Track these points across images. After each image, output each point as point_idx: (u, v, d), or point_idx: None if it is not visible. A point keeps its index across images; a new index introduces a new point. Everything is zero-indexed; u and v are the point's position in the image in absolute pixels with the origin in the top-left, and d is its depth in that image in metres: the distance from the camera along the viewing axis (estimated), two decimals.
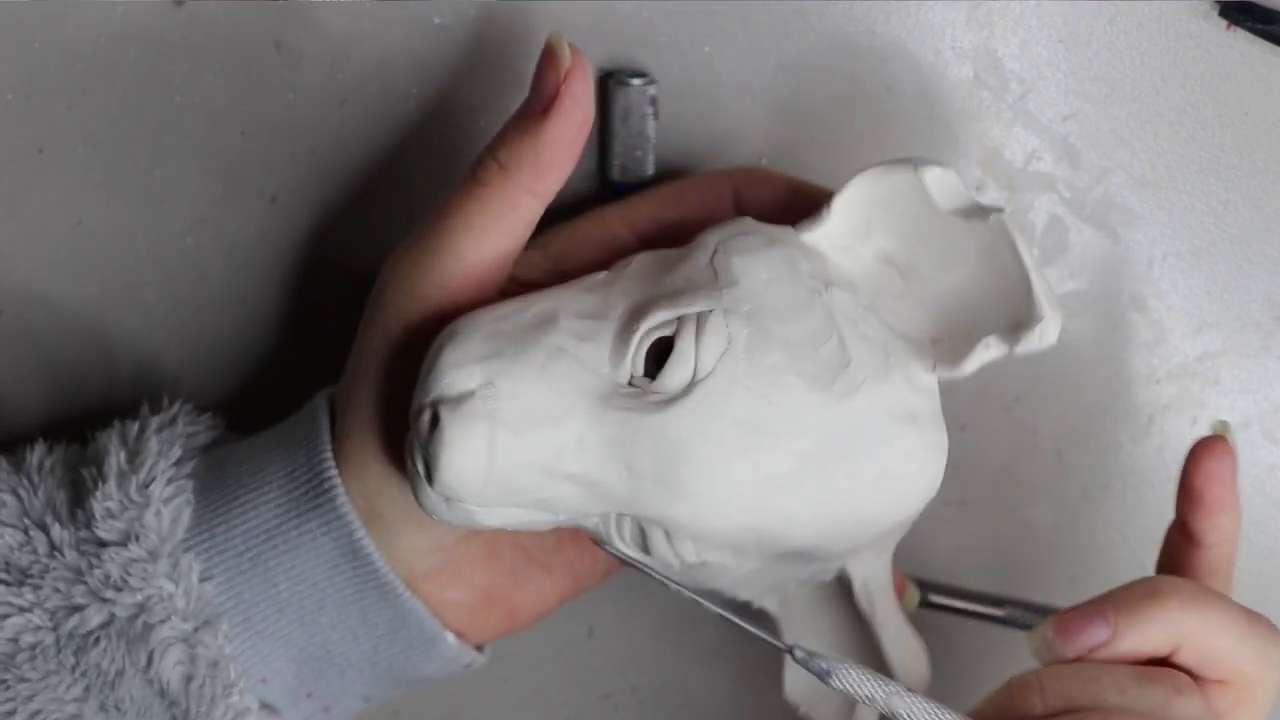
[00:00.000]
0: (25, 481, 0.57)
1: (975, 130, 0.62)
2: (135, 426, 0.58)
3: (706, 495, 0.51)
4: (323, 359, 0.65)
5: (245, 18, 0.59)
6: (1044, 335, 0.51)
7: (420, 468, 0.51)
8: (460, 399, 0.50)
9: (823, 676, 0.49)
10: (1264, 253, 0.63)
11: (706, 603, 0.52)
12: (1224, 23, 0.61)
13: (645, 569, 0.53)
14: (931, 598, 0.66)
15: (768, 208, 0.57)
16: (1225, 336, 0.64)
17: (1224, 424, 0.57)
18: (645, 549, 0.52)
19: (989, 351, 0.51)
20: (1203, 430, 0.65)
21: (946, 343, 0.53)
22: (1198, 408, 0.65)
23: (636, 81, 0.60)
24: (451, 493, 0.50)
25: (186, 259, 0.62)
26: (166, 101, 0.60)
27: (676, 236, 0.57)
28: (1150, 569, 0.60)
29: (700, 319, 0.51)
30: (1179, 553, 0.58)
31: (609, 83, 0.60)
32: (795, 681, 0.60)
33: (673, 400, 0.50)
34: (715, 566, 0.53)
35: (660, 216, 0.58)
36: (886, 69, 0.61)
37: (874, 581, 0.55)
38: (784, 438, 0.51)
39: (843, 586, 0.57)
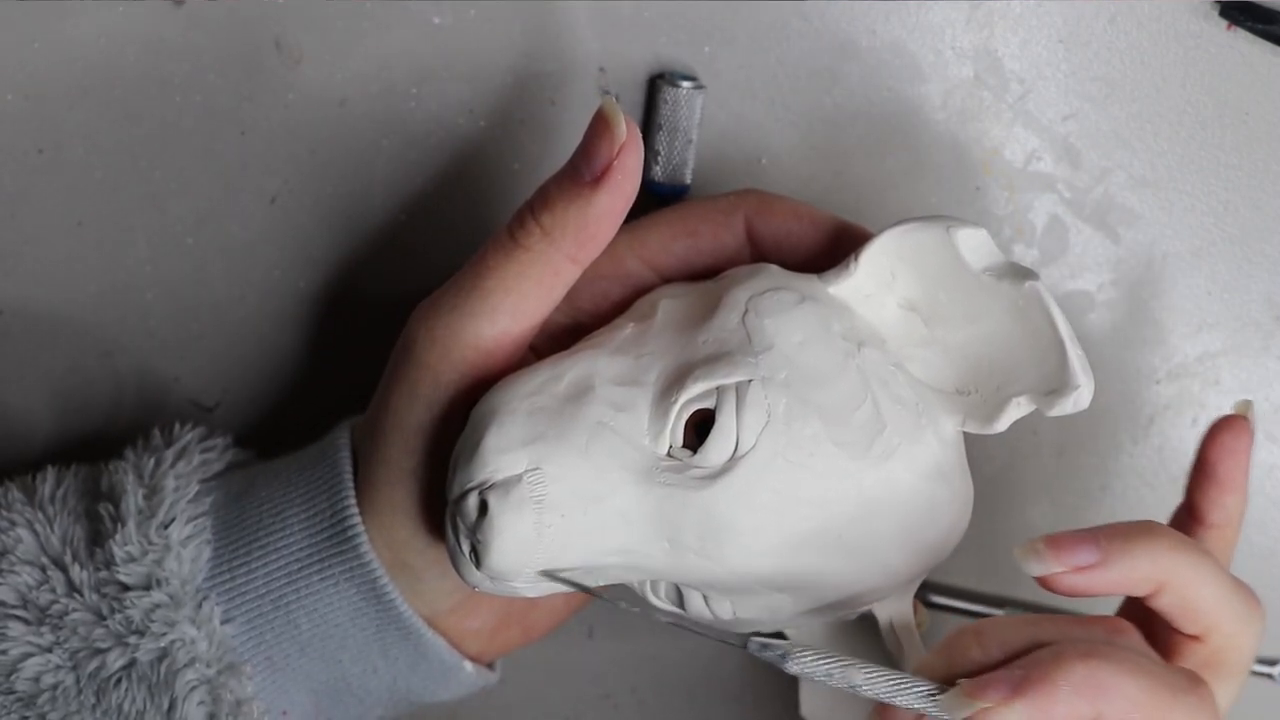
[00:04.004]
0: (40, 515, 0.57)
1: (975, 130, 0.62)
2: (151, 461, 0.58)
3: (748, 565, 0.51)
4: (323, 358, 0.65)
5: (245, 18, 0.59)
6: (1077, 402, 0.51)
7: (466, 549, 0.51)
8: (507, 484, 0.50)
9: (779, 663, 0.50)
10: (1264, 253, 0.63)
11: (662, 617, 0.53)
12: (1224, 23, 0.61)
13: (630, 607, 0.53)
14: (931, 598, 0.66)
15: (779, 240, 0.56)
16: (1225, 336, 0.64)
17: (1246, 403, 0.57)
18: (682, 606, 0.53)
19: (1019, 411, 0.52)
20: (1204, 430, 0.65)
21: (973, 395, 0.53)
22: (1198, 408, 0.65)
23: (686, 84, 0.60)
24: (499, 575, 0.51)
25: (186, 259, 0.62)
26: (166, 101, 0.60)
27: (690, 268, 0.57)
28: None
29: (739, 390, 0.51)
30: (1182, 529, 0.58)
31: (658, 83, 0.60)
32: (811, 701, 0.60)
33: (715, 476, 0.51)
34: (750, 621, 0.54)
35: (670, 248, 0.57)
36: (886, 69, 0.61)
37: (899, 621, 0.56)
38: (823, 506, 0.51)
39: (859, 618, 0.58)
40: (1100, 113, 0.62)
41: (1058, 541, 0.51)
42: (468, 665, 0.58)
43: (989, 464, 0.66)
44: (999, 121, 0.62)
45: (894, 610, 0.56)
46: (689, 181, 0.61)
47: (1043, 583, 0.51)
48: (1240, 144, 0.62)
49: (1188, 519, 0.58)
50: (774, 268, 0.55)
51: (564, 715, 0.70)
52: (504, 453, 0.50)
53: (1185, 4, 0.61)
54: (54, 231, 0.62)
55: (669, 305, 0.54)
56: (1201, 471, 0.57)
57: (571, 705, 0.70)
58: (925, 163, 0.62)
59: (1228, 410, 0.59)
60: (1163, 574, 0.51)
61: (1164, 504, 0.62)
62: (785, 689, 0.67)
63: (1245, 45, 0.61)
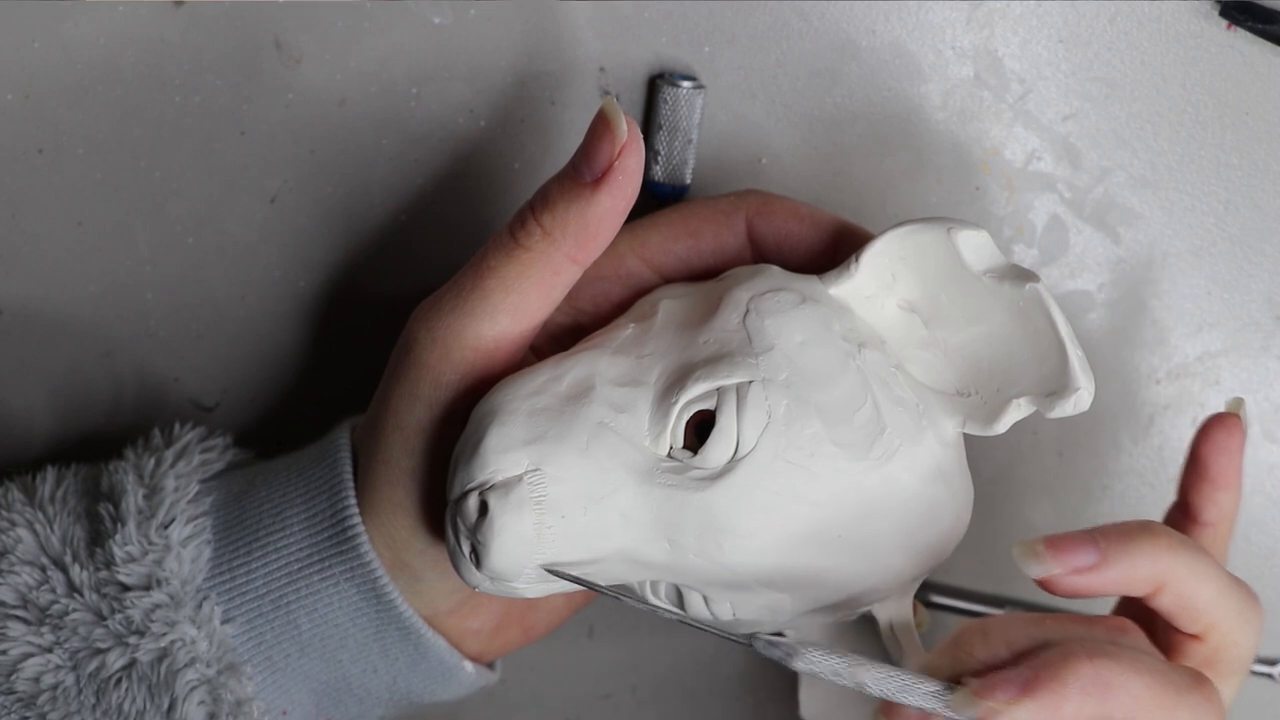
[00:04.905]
0: (41, 515, 0.57)
1: (975, 130, 0.62)
2: (151, 461, 0.58)
3: (748, 565, 0.51)
4: (323, 358, 0.65)
5: (245, 18, 0.59)
6: (1078, 404, 0.51)
7: (466, 550, 0.51)
8: (508, 485, 0.50)
9: (786, 660, 0.50)
10: (1264, 253, 0.63)
11: (666, 612, 0.53)
12: (1224, 23, 0.61)
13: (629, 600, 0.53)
14: (931, 598, 0.66)
15: (780, 241, 0.56)
16: (1225, 336, 0.64)
17: (1239, 401, 0.57)
18: (681, 607, 0.53)
19: (1020, 412, 0.52)
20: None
21: (974, 397, 0.53)
22: (1198, 408, 0.65)
23: (686, 84, 0.60)
24: (499, 576, 0.51)
25: (186, 259, 0.62)
26: (166, 101, 0.60)
27: (691, 269, 0.57)
28: None
29: (740, 391, 0.51)
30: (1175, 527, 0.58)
31: (658, 83, 0.60)
32: (810, 702, 0.60)
33: (715, 477, 0.51)
34: (749, 622, 0.53)
35: (671, 249, 0.57)
36: (886, 69, 0.61)
37: (899, 622, 0.56)
38: (824, 507, 0.51)
39: (859, 618, 0.58)
40: (1100, 113, 0.62)
41: (1056, 543, 0.51)
42: (468, 665, 0.58)
43: (989, 464, 0.66)
44: (999, 121, 0.62)
45: (894, 611, 0.56)
46: (689, 181, 0.61)
47: (1042, 584, 0.51)
48: (1240, 144, 0.62)
49: (1181, 517, 0.58)
50: (775, 268, 0.55)
51: (564, 715, 0.70)
52: (504, 453, 0.50)
53: (1185, 4, 0.61)
54: (54, 231, 0.62)
55: (670, 305, 0.54)
56: (1194, 469, 0.57)
57: (571, 705, 0.70)
58: (925, 163, 0.62)
59: (1225, 403, 0.59)
60: (1162, 574, 0.52)
61: (1164, 504, 0.62)
62: (785, 689, 0.67)
63: (1245, 45, 0.61)
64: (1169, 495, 0.59)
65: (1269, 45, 0.61)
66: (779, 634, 0.56)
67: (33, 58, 0.59)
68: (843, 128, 0.62)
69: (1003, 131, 0.62)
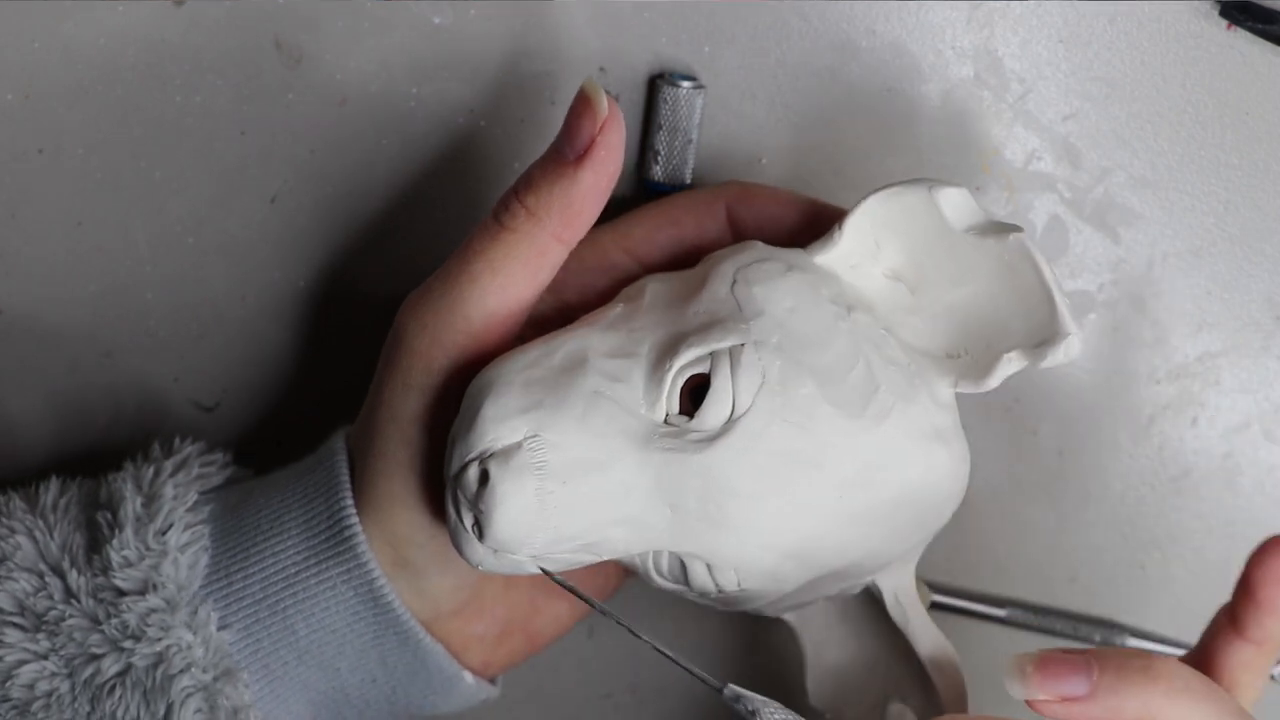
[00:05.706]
0: (41, 523, 0.57)
1: (975, 130, 0.62)
2: (150, 470, 0.58)
3: (750, 528, 0.51)
4: (322, 359, 0.65)
5: (245, 18, 0.60)
6: (1068, 351, 0.51)
7: (468, 523, 0.51)
8: (507, 452, 0.50)
9: (749, 718, 0.49)
10: (1264, 253, 0.63)
11: (657, 646, 0.53)
12: (1224, 23, 0.61)
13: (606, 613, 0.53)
14: (933, 598, 0.67)
15: (761, 223, 0.57)
16: (1225, 336, 0.64)
17: None
18: (685, 581, 0.53)
19: (1011, 366, 0.52)
20: (1204, 430, 0.65)
21: (964, 357, 0.53)
22: (1198, 408, 0.65)
23: (686, 84, 0.60)
24: (503, 546, 0.50)
25: (186, 259, 0.62)
26: (166, 101, 0.60)
27: (674, 258, 0.57)
28: (1148, 568, 0.60)
29: (733, 354, 0.51)
30: (1220, 633, 0.56)
31: (658, 83, 0.60)
32: (818, 687, 0.60)
33: (713, 439, 0.51)
34: (754, 592, 0.53)
35: (654, 239, 0.57)
36: (886, 69, 0.61)
37: (903, 592, 0.56)
38: (822, 466, 0.51)
39: (862, 595, 0.58)
40: (1100, 113, 0.62)
41: (1046, 665, 0.50)
42: (468, 676, 0.58)
43: (989, 464, 0.66)
44: (999, 121, 0.62)
45: (897, 580, 0.56)
46: (689, 181, 0.61)
47: (1028, 703, 0.50)
48: (1240, 144, 0.62)
49: (1228, 624, 0.55)
50: (758, 243, 0.55)
51: (564, 715, 0.70)
52: (502, 421, 0.50)
53: (1185, 4, 0.61)
54: (54, 231, 0.62)
55: (657, 287, 0.54)
56: (1244, 589, 0.55)
57: (571, 705, 0.70)
58: (925, 163, 0.62)
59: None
60: (1151, 714, 0.50)
61: (1164, 504, 0.62)
62: (784, 691, 0.67)
63: (1245, 45, 0.61)
64: (1169, 495, 0.59)
65: (1269, 45, 0.61)
66: (777, 625, 0.56)
67: (33, 58, 0.59)
68: (843, 128, 0.62)
69: (1003, 131, 0.62)
